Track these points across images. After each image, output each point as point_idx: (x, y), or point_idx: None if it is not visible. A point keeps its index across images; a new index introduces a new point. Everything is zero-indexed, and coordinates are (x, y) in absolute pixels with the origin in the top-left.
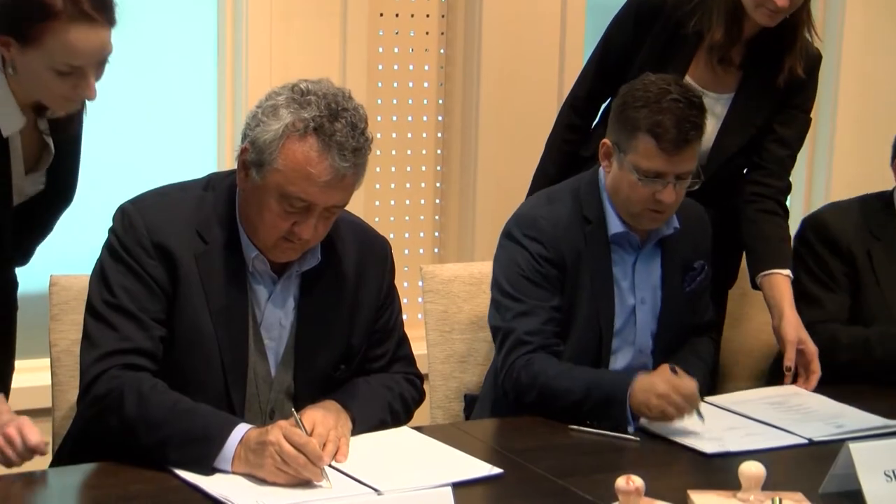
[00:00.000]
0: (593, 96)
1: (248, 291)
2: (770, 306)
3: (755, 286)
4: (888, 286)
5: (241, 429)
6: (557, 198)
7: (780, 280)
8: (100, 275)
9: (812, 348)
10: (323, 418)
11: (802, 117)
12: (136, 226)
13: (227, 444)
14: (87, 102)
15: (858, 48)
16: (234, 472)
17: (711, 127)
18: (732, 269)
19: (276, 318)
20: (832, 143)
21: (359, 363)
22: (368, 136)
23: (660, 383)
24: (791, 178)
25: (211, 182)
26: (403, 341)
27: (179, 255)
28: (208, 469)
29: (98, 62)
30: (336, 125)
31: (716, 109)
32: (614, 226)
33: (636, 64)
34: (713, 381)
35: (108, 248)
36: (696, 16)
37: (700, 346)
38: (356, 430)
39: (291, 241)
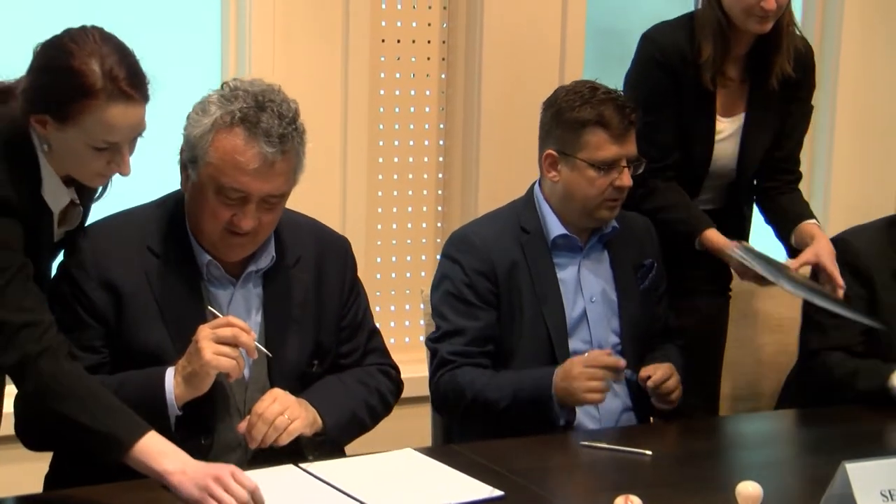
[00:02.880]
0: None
1: (206, 297)
2: (803, 242)
3: (791, 251)
4: None
5: (170, 368)
6: (494, 216)
7: (809, 225)
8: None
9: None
10: (282, 395)
11: (806, 107)
12: (82, 255)
13: (167, 385)
14: None
15: (856, 49)
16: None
17: (732, 145)
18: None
19: (240, 321)
20: (831, 144)
21: (333, 360)
22: (299, 127)
23: (573, 366)
24: None
25: (164, 199)
26: (375, 334)
27: (121, 279)
28: (164, 420)
29: (132, 139)
30: (262, 115)
31: (731, 130)
32: (554, 231)
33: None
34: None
35: (57, 277)
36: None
37: (668, 350)
38: (330, 426)
39: (237, 234)
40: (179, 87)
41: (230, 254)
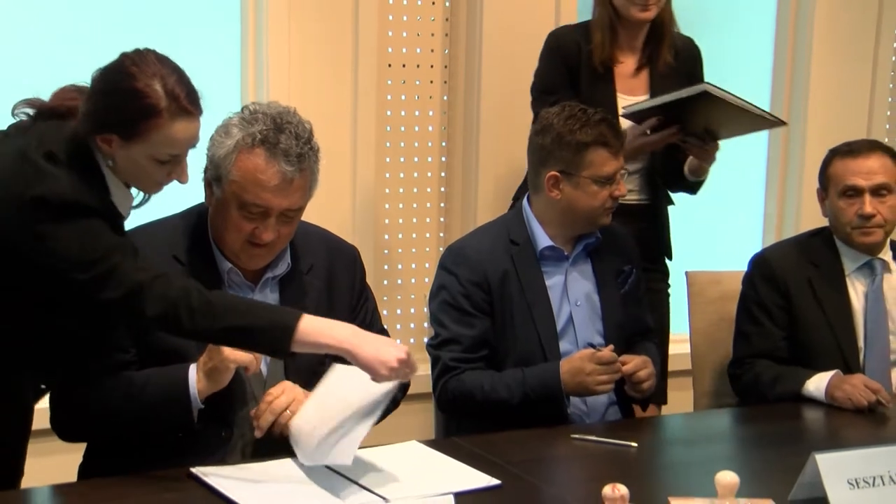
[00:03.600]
0: None
1: None
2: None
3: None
4: (829, 307)
5: (191, 368)
6: (486, 230)
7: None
8: None
9: None
10: (291, 386)
11: None
12: None
13: (191, 386)
14: None
15: (827, 55)
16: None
17: None
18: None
19: None
20: (803, 156)
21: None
22: (314, 145)
23: (584, 364)
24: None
25: (188, 211)
26: (383, 333)
27: None
28: (192, 419)
29: (189, 148)
30: (280, 136)
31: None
32: (542, 243)
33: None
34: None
35: None
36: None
37: (646, 346)
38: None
39: (257, 246)
40: (205, 110)
41: (250, 263)
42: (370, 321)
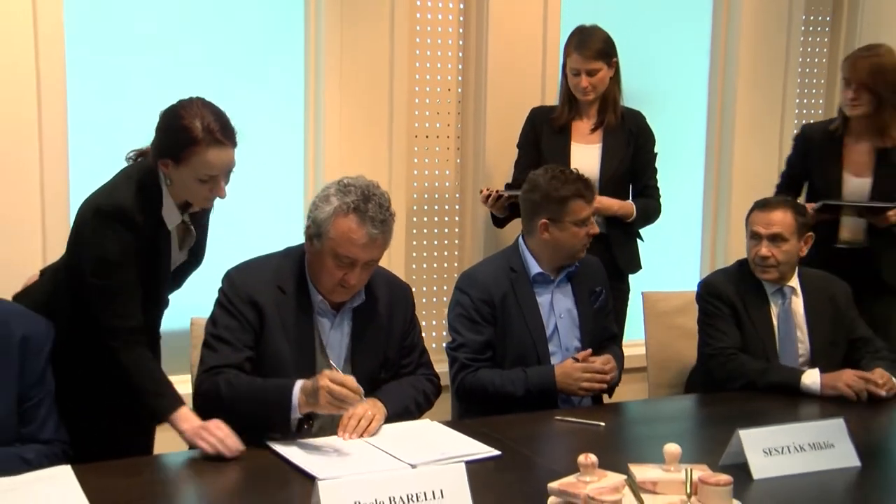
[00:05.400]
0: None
1: (315, 324)
2: None
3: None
4: (758, 321)
5: (297, 384)
6: (491, 260)
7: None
8: (211, 318)
9: None
10: (372, 402)
11: (649, 155)
12: (235, 284)
13: (294, 399)
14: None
15: (747, 128)
16: (302, 413)
17: (593, 160)
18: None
19: (336, 341)
20: (729, 198)
21: (395, 370)
22: (392, 212)
23: (574, 370)
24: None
25: (288, 252)
26: (424, 353)
27: (264, 304)
28: (287, 422)
29: (227, 172)
30: (369, 205)
31: (589, 152)
32: (533, 270)
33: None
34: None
35: (217, 300)
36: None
37: (611, 348)
38: (391, 414)
39: (344, 287)
40: (272, 172)
41: (337, 298)
42: (416, 342)
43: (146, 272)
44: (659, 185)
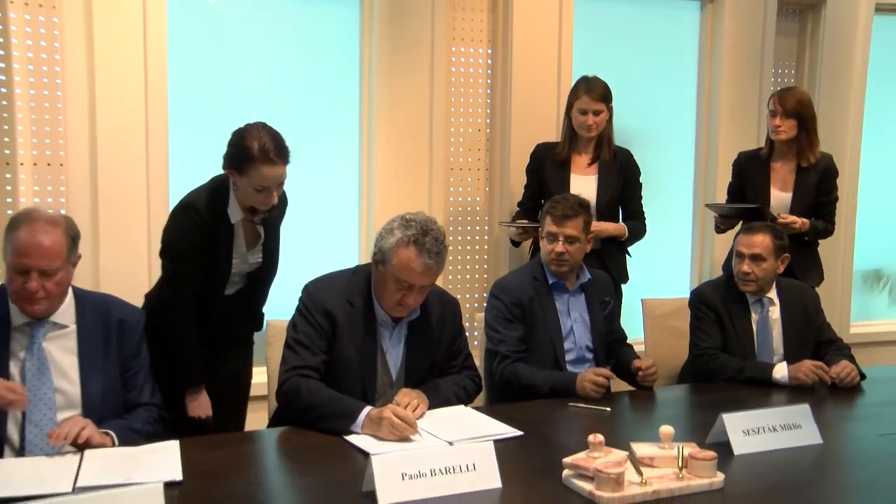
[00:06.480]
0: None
1: (378, 334)
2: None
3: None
4: (739, 326)
5: (367, 408)
6: (518, 271)
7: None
8: (292, 323)
9: None
10: (418, 394)
11: (635, 186)
12: (313, 296)
13: (360, 418)
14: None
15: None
16: (363, 433)
17: (590, 189)
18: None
19: (394, 348)
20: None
21: (443, 370)
22: (446, 244)
23: (587, 374)
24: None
25: (357, 270)
26: (469, 356)
27: (336, 314)
28: (348, 432)
29: (278, 185)
30: (426, 239)
31: (587, 181)
32: (551, 280)
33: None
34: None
35: (298, 308)
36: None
37: (629, 351)
38: (433, 405)
39: (402, 305)
40: (333, 207)
41: (396, 314)
42: (462, 347)
43: (208, 260)
44: (644, 208)
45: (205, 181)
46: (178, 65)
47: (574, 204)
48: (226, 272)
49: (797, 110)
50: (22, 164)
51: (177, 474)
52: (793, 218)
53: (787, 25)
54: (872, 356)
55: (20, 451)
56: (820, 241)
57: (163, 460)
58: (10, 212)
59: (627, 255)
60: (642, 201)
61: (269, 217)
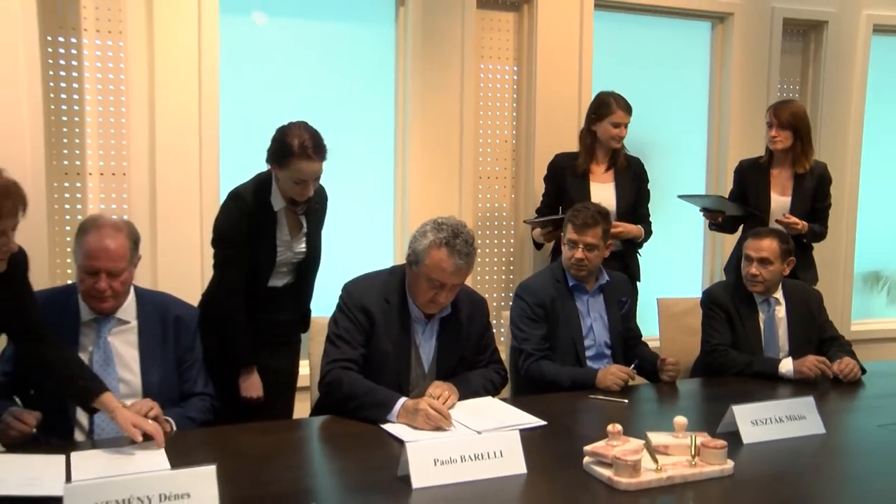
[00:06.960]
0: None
1: (412, 330)
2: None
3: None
4: (748, 324)
5: (402, 399)
6: (541, 273)
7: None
8: (333, 319)
9: None
10: (449, 387)
11: (644, 192)
12: (352, 295)
13: (395, 408)
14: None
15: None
16: (398, 422)
17: (608, 196)
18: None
19: (427, 343)
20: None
21: (471, 364)
22: (476, 247)
23: (610, 368)
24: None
25: (392, 270)
26: (495, 351)
27: (374, 311)
28: (384, 420)
29: (315, 179)
30: (457, 241)
31: (605, 189)
32: (572, 282)
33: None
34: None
35: (338, 306)
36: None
37: (645, 349)
38: (462, 397)
39: (434, 303)
40: (371, 210)
41: (429, 311)
42: (489, 342)
43: (255, 246)
44: (650, 212)
45: None
46: (229, 83)
47: (594, 213)
48: (271, 258)
49: (791, 122)
50: (90, 174)
51: (164, 465)
52: (795, 219)
53: (791, 44)
54: (872, 352)
55: (89, 434)
56: (814, 245)
57: (151, 456)
58: (80, 217)
59: (639, 255)
60: (649, 205)
61: (310, 208)
